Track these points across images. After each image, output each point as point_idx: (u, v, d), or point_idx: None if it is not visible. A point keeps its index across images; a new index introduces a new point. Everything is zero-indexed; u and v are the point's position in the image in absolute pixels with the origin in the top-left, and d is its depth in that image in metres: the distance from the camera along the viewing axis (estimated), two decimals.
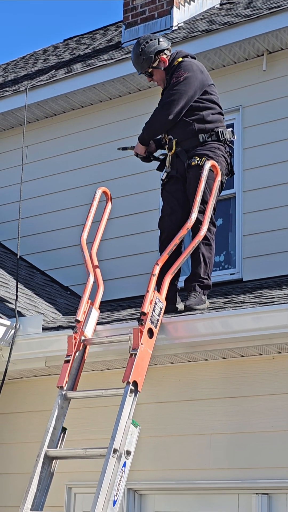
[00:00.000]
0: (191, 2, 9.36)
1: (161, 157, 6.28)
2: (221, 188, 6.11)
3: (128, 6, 9.41)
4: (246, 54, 7.69)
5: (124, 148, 6.54)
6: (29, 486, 4.85)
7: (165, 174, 6.17)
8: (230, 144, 6.18)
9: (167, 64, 6.26)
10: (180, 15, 9.16)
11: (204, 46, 7.76)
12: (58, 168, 8.71)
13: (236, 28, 7.65)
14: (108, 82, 8.28)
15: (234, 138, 6.19)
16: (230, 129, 6.21)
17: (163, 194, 6.22)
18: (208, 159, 5.95)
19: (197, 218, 5.74)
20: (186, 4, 9.29)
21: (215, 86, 6.27)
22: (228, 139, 6.13)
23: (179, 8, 9.16)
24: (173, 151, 6.11)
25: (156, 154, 6.34)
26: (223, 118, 6.23)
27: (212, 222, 5.97)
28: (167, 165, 6.16)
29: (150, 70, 6.27)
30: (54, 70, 9.31)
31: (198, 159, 5.99)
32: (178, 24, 9.07)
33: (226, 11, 8.85)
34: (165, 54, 6.28)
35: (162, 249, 6.03)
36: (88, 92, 8.46)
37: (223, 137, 6.08)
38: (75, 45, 10.82)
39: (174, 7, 9.10)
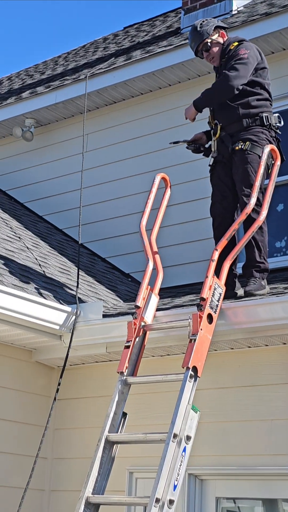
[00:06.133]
0: None
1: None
2: (267, 172, 6.01)
3: None
4: None
5: (176, 142, 6.57)
6: (91, 471, 4.89)
7: (212, 159, 6.17)
8: (276, 130, 6.12)
9: (225, 41, 6.24)
10: None
11: (264, 30, 7.67)
12: (118, 156, 8.73)
13: None
14: (167, 69, 8.25)
15: (281, 124, 6.13)
16: (277, 114, 6.15)
17: (213, 179, 6.22)
18: (252, 143, 5.92)
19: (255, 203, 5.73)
20: None
21: (267, 71, 6.21)
22: (274, 124, 6.08)
23: None
24: (217, 135, 6.10)
25: (206, 146, 6.34)
26: (271, 104, 6.18)
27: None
28: (213, 150, 6.15)
29: (209, 41, 6.25)
30: (113, 58, 9.32)
31: (242, 143, 5.98)
32: (238, 8, 8.99)
33: None
34: (225, 30, 6.29)
35: (216, 236, 6.03)
36: (147, 79, 8.45)
37: (268, 122, 6.04)
38: (135, 33, 10.81)
39: None
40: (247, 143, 5.96)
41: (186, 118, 6.27)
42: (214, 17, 8.89)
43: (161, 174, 6.24)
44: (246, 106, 6.05)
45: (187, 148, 6.40)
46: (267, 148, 5.87)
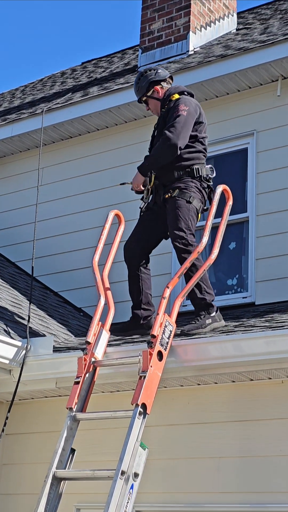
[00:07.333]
0: (208, 27, 9.44)
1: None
2: (198, 217, 6.24)
3: (145, 31, 9.50)
4: (261, 79, 7.74)
5: (123, 184, 6.68)
6: (37, 507, 4.86)
7: (144, 204, 6.38)
8: (208, 181, 6.31)
9: (162, 95, 6.41)
10: (196, 40, 9.24)
11: (219, 71, 7.82)
12: (73, 190, 8.78)
13: (251, 53, 7.70)
14: (124, 106, 8.35)
15: (212, 175, 6.34)
16: (209, 166, 6.36)
17: (140, 219, 6.43)
18: (181, 190, 6.15)
19: (185, 244, 5.98)
20: (203, 29, 9.37)
21: (204, 125, 6.40)
22: (205, 175, 6.26)
23: (195, 33, 9.24)
24: (151, 184, 6.27)
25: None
26: (204, 156, 6.36)
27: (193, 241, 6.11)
28: (144, 196, 6.36)
29: (144, 98, 6.54)
30: (71, 93, 9.40)
31: (171, 191, 6.18)
32: (194, 48, 9.15)
33: (242, 36, 8.92)
34: (161, 85, 6.51)
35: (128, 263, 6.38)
36: (103, 115, 8.53)
37: (198, 174, 6.24)
38: (93, 68, 10.93)
39: (191, 32, 9.18)
40: (176, 190, 6.18)
41: (133, 189, 6.41)
42: (171, 57, 9.07)
43: (115, 210, 6.31)
44: (178, 159, 6.23)
45: (132, 189, 6.56)
46: (220, 189, 6.00)
